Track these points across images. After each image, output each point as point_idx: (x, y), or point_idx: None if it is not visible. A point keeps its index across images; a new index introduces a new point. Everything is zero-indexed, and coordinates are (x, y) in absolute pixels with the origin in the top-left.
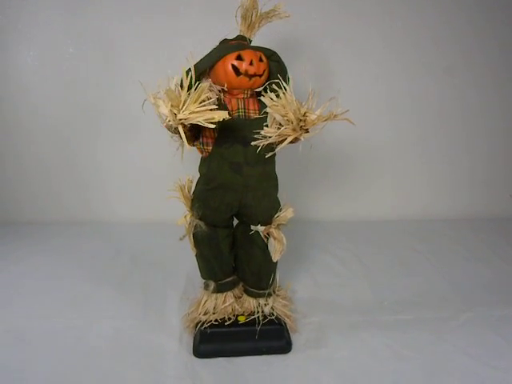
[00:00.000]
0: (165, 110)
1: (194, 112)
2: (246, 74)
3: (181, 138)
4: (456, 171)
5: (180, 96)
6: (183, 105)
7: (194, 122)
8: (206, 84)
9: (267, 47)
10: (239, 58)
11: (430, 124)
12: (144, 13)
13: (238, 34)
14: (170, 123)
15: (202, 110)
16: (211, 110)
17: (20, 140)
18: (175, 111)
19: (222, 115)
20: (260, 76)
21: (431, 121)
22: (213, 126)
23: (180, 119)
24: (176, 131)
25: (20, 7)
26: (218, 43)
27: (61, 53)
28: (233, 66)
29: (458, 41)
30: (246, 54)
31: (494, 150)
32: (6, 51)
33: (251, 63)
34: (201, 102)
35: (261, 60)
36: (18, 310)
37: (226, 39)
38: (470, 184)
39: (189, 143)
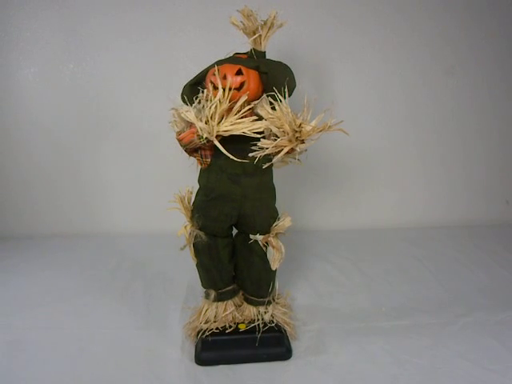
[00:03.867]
0: (200, 123)
1: (235, 123)
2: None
3: (191, 150)
4: (453, 178)
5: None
6: (221, 118)
7: (238, 132)
8: (245, 97)
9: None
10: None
11: (427, 131)
12: (143, 28)
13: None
14: (206, 136)
15: (244, 121)
16: (253, 120)
17: (22, 154)
18: (214, 123)
19: (265, 124)
20: (237, 89)
21: (428, 128)
22: (259, 136)
23: (218, 131)
24: (199, 144)
25: (21, 25)
26: (217, 56)
27: (61, 69)
28: (211, 80)
29: (452, 48)
30: (221, 69)
31: (490, 156)
32: (8, 68)
33: (224, 77)
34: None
35: (239, 73)
36: (20, 321)
37: (236, 53)
38: (468, 191)
39: (190, 155)
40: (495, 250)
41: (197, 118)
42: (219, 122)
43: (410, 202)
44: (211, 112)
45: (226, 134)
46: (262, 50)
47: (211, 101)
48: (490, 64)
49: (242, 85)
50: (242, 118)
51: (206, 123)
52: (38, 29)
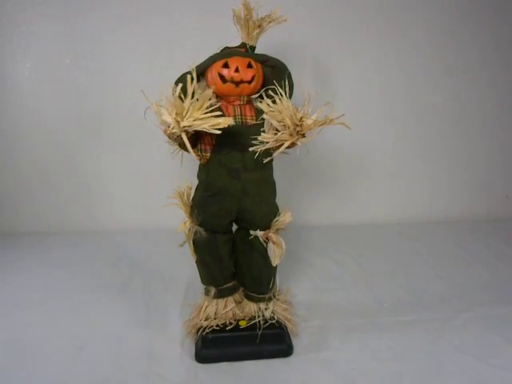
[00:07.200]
0: (168, 117)
1: (198, 119)
2: (232, 81)
3: (184, 145)
4: (454, 173)
5: (184, 103)
6: (187, 112)
7: (198, 128)
8: (209, 91)
9: (263, 53)
10: (226, 65)
11: (428, 126)
12: (140, 21)
13: (242, 41)
14: (174, 131)
15: (207, 117)
16: (215, 116)
17: (20, 150)
18: (179, 119)
19: (227, 121)
20: (249, 83)
21: (429, 123)
22: (218, 132)
23: (183, 126)
24: (179, 139)
25: (16, 19)
26: (213, 50)
27: (57, 64)
28: (219, 73)
29: (455, 43)
30: (232, 61)
31: (491, 151)
32: (3, 63)
33: (237, 70)
34: (205, 109)
35: (250, 66)
36: (19, 319)
37: (226, 47)
38: (468, 185)
39: (184, 150)
40: (496, 245)
41: (166, 112)
42: (184, 117)
43: (411, 196)
44: (172, 107)
45: (190, 130)
46: (255, 44)
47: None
48: (493, 60)
49: (252, 78)
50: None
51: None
52: (33, 23)
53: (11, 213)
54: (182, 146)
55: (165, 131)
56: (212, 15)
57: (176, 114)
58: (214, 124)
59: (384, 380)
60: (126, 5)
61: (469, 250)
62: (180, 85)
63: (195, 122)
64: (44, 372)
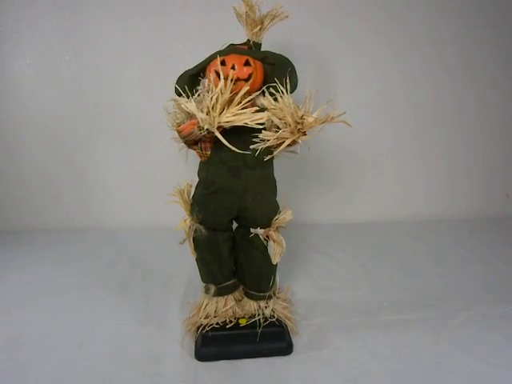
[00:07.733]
0: (201, 114)
1: (237, 114)
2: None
3: (191, 142)
4: (453, 172)
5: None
6: (223, 108)
7: (239, 123)
8: (246, 87)
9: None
10: (223, 63)
11: (428, 125)
12: (140, 19)
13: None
14: (208, 127)
15: (246, 112)
16: (254, 111)
17: (19, 148)
18: (215, 114)
19: (267, 115)
20: (246, 80)
21: (429, 122)
22: (261, 127)
23: (220, 122)
24: (207, 134)
25: (16, 16)
26: (213, 48)
27: (57, 60)
28: (216, 71)
29: (455, 43)
30: (229, 59)
31: (491, 150)
32: (3, 60)
33: (233, 68)
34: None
35: (247, 64)
36: (18, 317)
37: (231, 44)
38: (468, 184)
39: (189, 147)
40: (495, 244)
41: (197, 108)
42: (220, 113)
43: (411, 195)
44: (212, 102)
45: (228, 125)
46: (260, 41)
47: (212, 91)
48: (492, 60)
49: (250, 76)
50: (243, 108)
51: (206, 114)
52: (32, 19)
53: (11, 211)
54: (188, 143)
55: (184, 128)
56: (213, 13)
57: (212, 109)
58: (257, 118)
59: (384, 378)
60: (127, 2)
61: (469, 249)
62: (222, 81)
63: (235, 118)
64: (43, 369)
